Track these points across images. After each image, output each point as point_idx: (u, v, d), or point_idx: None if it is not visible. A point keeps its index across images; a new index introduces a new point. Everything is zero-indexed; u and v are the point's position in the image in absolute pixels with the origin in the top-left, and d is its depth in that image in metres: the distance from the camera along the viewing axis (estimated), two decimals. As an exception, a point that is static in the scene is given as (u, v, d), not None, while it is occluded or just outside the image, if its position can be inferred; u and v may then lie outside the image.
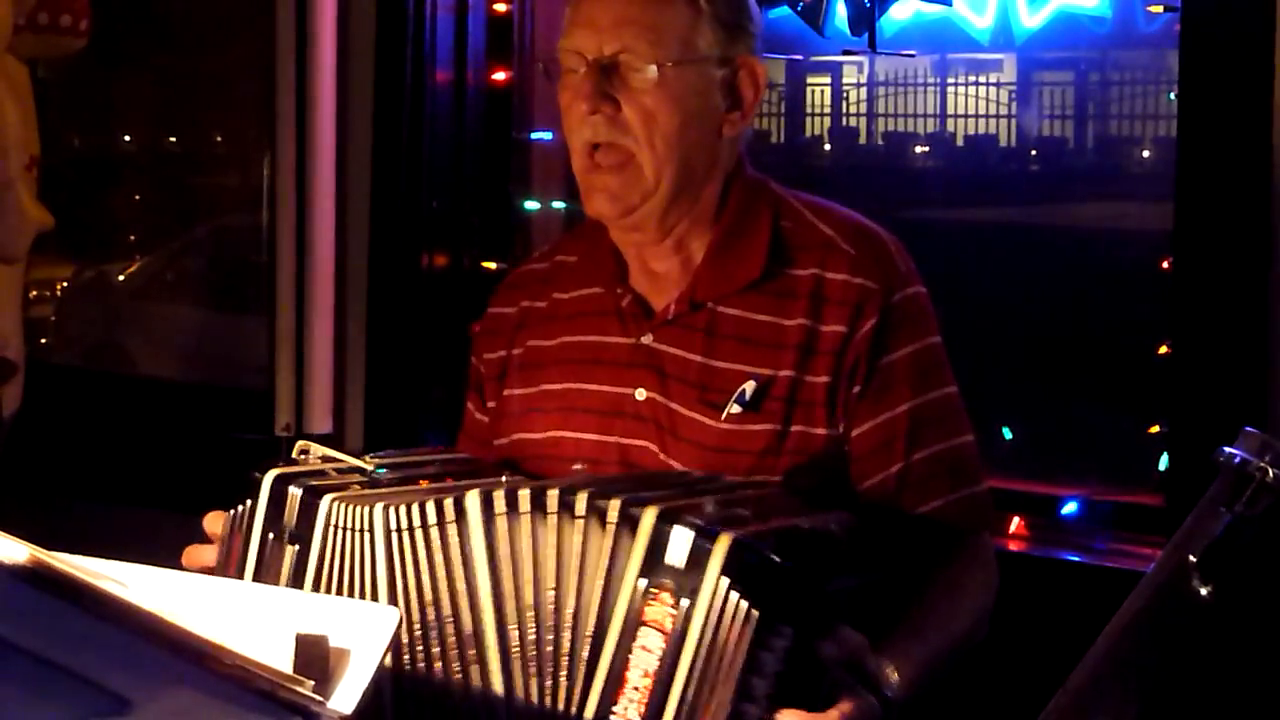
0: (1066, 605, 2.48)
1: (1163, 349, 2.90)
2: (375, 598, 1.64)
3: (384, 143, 3.50)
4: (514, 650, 1.61)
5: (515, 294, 2.06)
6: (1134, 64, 3.47)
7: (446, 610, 1.63)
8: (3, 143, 3.34)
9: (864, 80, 3.74)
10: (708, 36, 1.87)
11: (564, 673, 1.59)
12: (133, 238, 4.77)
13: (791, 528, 1.58)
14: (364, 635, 1.27)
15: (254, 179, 3.94)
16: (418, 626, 1.64)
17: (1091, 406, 3.36)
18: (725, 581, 1.49)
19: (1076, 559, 2.94)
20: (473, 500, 1.63)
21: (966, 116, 3.72)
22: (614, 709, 1.54)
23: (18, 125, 3.40)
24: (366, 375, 3.54)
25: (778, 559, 1.51)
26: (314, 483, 1.70)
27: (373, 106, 3.50)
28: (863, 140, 3.87)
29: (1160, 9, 3.01)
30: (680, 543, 1.53)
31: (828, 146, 3.92)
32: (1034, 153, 3.68)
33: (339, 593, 1.66)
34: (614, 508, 1.57)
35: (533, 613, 1.61)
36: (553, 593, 1.60)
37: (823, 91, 3.79)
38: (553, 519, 1.61)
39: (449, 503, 1.64)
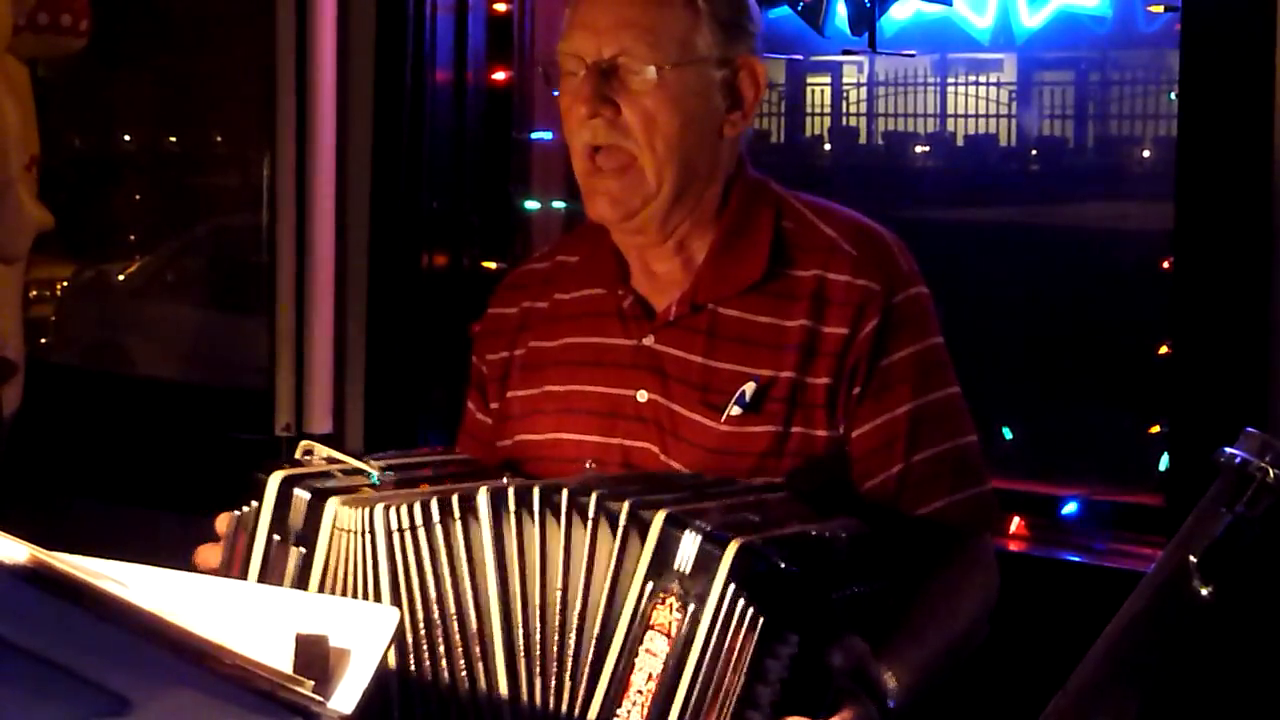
0: (1067, 605, 2.48)
1: (1163, 349, 2.90)
2: (379, 599, 1.64)
3: (384, 143, 3.50)
4: (519, 650, 1.61)
5: (516, 294, 2.05)
6: (1134, 64, 3.47)
7: (451, 609, 1.63)
8: (3, 143, 3.34)
9: (864, 80, 3.74)
10: (707, 37, 1.86)
11: (568, 674, 1.59)
12: (133, 238, 4.77)
13: (800, 534, 1.58)
14: (364, 635, 1.27)
15: (254, 179, 3.94)
16: (423, 626, 1.63)
17: (1092, 406, 3.36)
18: (733, 587, 1.49)
19: (1077, 559, 2.94)
20: (483, 497, 1.63)
21: (967, 116, 3.72)
22: (617, 712, 1.54)
23: (18, 125, 3.40)
24: (366, 375, 3.54)
25: (785, 566, 1.50)
26: (320, 486, 1.70)
27: (373, 106, 3.50)
28: (863, 140, 3.87)
29: (1161, 9, 3.00)
30: (688, 547, 1.53)
31: (828, 146, 3.92)
32: (1034, 153, 3.68)
33: (344, 595, 1.66)
34: (624, 510, 1.57)
35: (539, 613, 1.60)
36: (560, 593, 1.60)
37: (823, 91, 3.79)
38: (562, 519, 1.61)
39: (456, 500, 1.63)
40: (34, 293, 4.25)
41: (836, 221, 1.93)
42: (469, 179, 3.61)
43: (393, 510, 1.64)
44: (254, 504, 1.71)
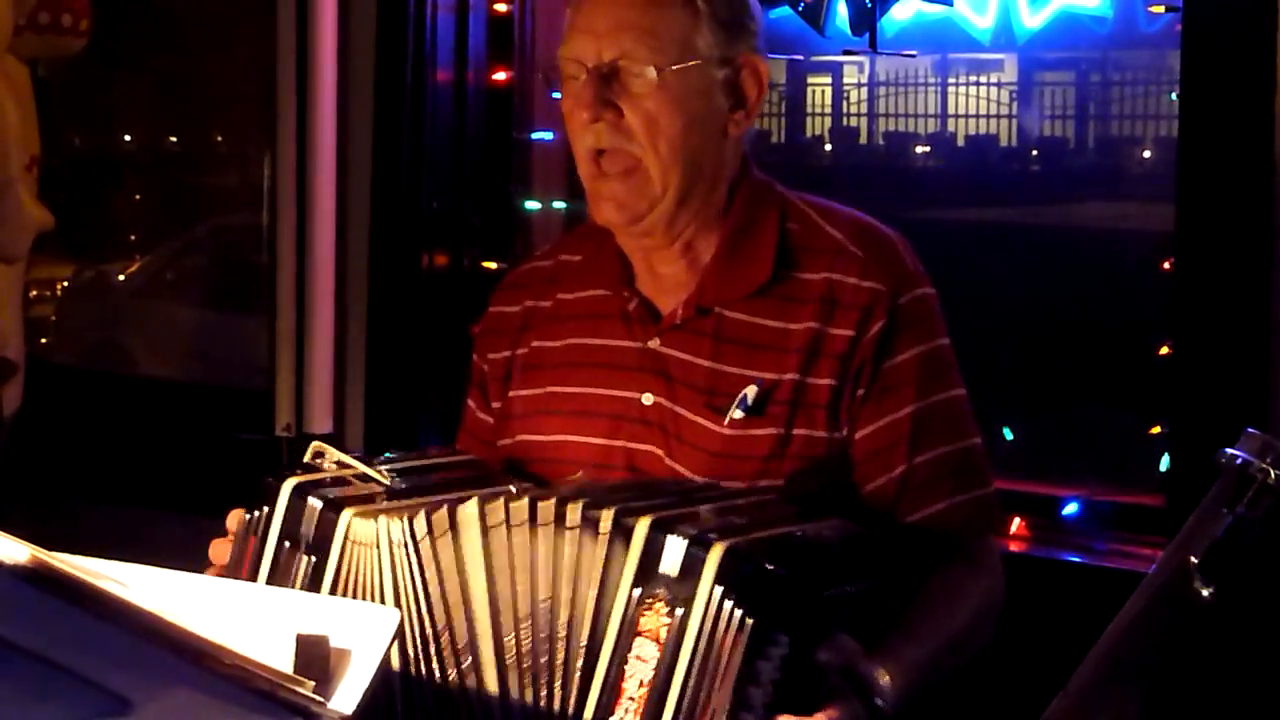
0: (1067, 606, 2.48)
1: (1164, 349, 2.90)
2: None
3: (384, 143, 3.50)
4: (509, 660, 1.61)
5: (518, 293, 2.05)
6: (1135, 64, 3.47)
7: (442, 621, 1.63)
8: (3, 143, 3.34)
9: (865, 80, 3.74)
10: (707, 37, 1.86)
11: (558, 682, 1.59)
12: (133, 237, 4.77)
13: (786, 536, 1.58)
14: (365, 636, 1.27)
15: (254, 179, 3.94)
16: (419, 638, 1.64)
17: (1092, 407, 3.36)
18: (719, 590, 1.49)
19: (1077, 560, 2.94)
20: (468, 512, 1.63)
21: (967, 116, 3.72)
22: (610, 719, 1.54)
23: (18, 125, 3.40)
24: (366, 375, 3.54)
25: (771, 567, 1.50)
26: (332, 495, 1.69)
27: (373, 106, 3.50)
28: (863, 140, 3.87)
29: (1161, 9, 3.00)
30: (674, 552, 1.53)
31: (828, 146, 3.92)
32: (1035, 153, 3.68)
33: (354, 602, 1.66)
34: (607, 517, 1.57)
35: (528, 623, 1.61)
36: (547, 603, 1.60)
37: (823, 91, 3.79)
38: (547, 529, 1.61)
39: (442, 515, 1.64)
40: (34, 293, 4.25)
41: (841, 222, 1.92)
42: (469, 179, 3.61)
43: (406, 522, 1.64)
44: (264, 509, 1.71)
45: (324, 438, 3.31)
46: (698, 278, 1.91)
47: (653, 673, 1.52)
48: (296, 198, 3.48)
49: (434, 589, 1.63)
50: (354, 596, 1.66)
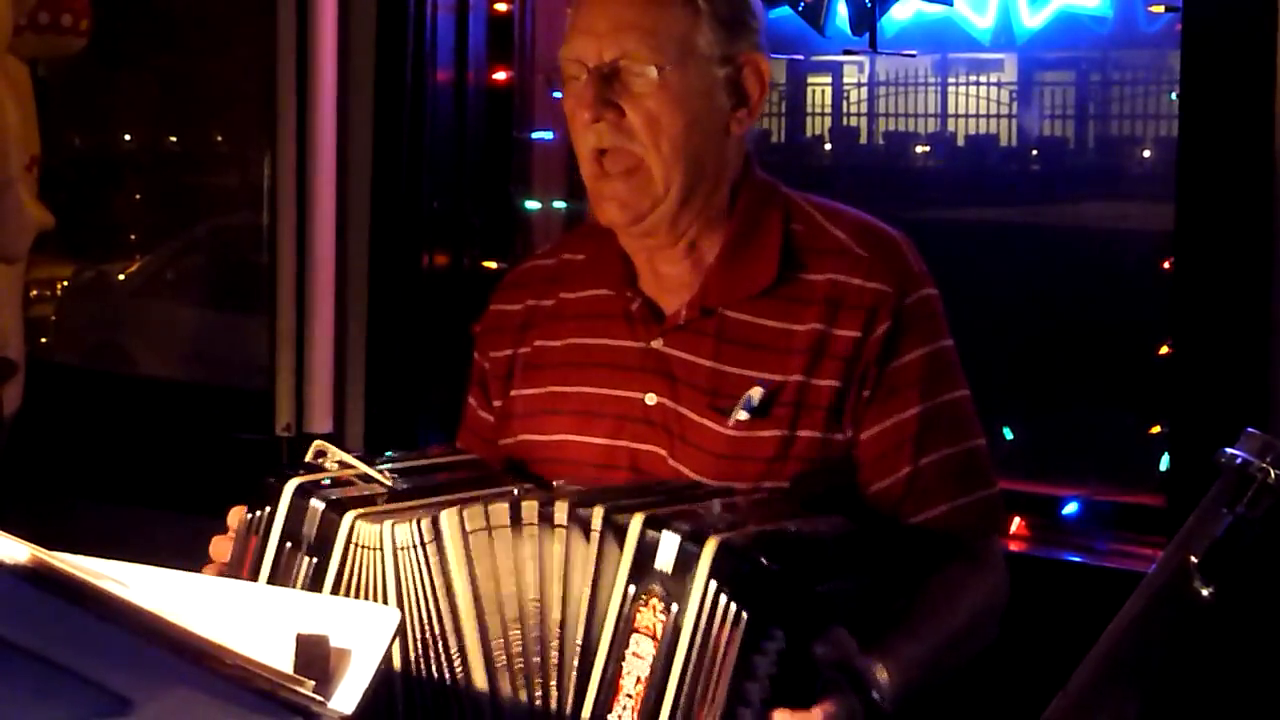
0: (1067, 606, 2.48)
1: (1164, 349, 2.90)
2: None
3: (384, 142, 3.50)
4: (499, 663, 1.61)
5: (520, 292, 2.05)
6: (1135, 64, 3.47)
7: (442, 623, 1.63)
8: (3, 143, 3.34)
9: (865, 80, 3.74)
10: (708, 36, 1.86)
11: (554, 681, 1.59)
12: (133, 237, 4.77)
13: (779, 531, 1.58)
14: (365, 636, 1.27)
15: (254, 179, 3.94)
16: (418, 643, 1.64)
17: (1092, 407, 3.36)
18: (714, 585, 1.49)
19: (1077, 559, 2.94)
20: (448, 519, 1.63)
21: (967, 116, 3.72)
22: (608, 717, 1.54)
23: (18, 125, 3.40)
24: (366, 375, 3.54)
25: (766, 561, 1.50)
26: (334, 496, 1.70)
27: (373, 106, 3.50)
28: (863, 140, 3.86)
29: (1161, 9, 3.00)
30: (668, 548, 1.53)
31: (828, 146, 3.92)
32: (1035, 153, 3.68)
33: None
34: (597, 515, 1.58)
35: (518, 625, 1.61)
36: (536, 604, 1.60)
37: (823, 91, 3.79)
38: (531, 530, 1.62)
39: (426, 523, 1.64)
40: (34, 293, 4.25)
41: (845, 223, 1.92)
42: (470, 179, 3.61)
43: (410, 526, 1.64)
44: (267, 509, 1.71)
45: (324, 438, 3.33)
46: (701, 278, 1.90)
47: (649, 669, 1.52)
48: (296, 198, 3.48)
49: (437, 591, 1.63)
50: (356, 598, 1.66)
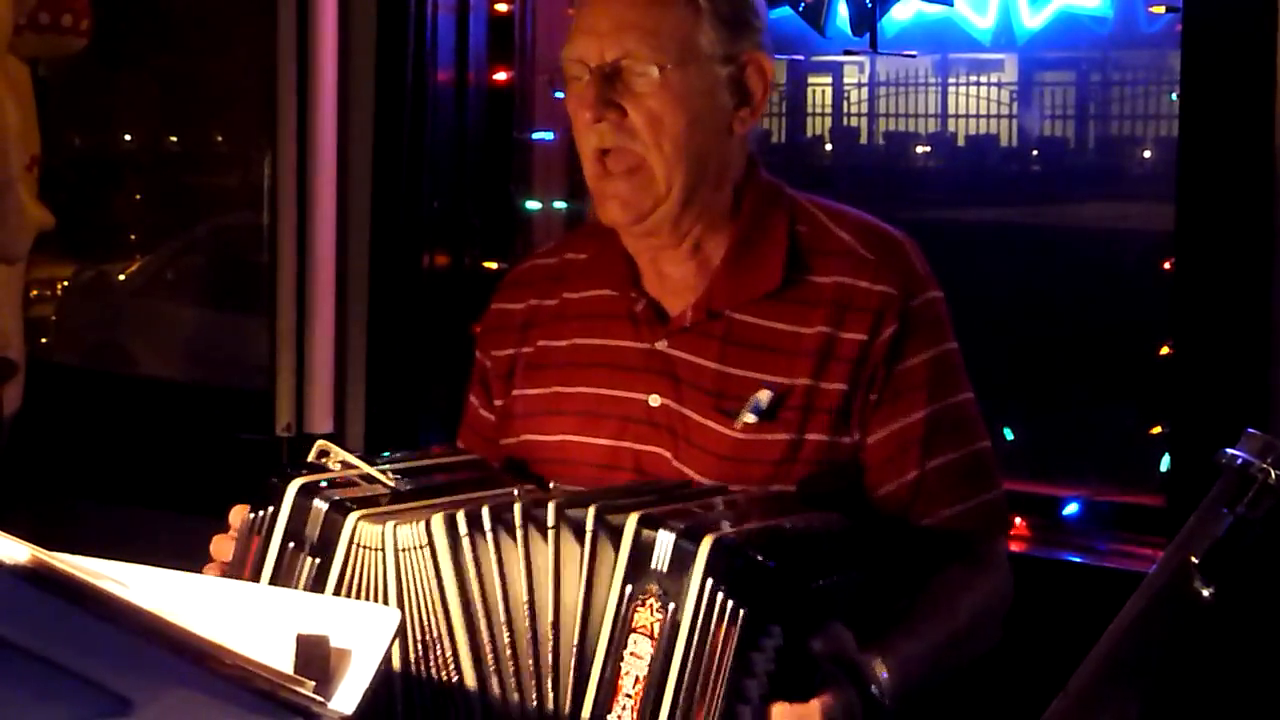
0: (1068, 606, 2.48)
1: (1164, 349, 2.90)
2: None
3: (385, 142, 3.50)
4: (490, 666, 1.61)
5: (523, 291, 2.05)
6: (1135, 64, 3.47)
7: (443, 624, 1.64)
8: (3, 143, 3.34)
9: (865, 80, 3.74)
10: (709, 35, 1.86)
11: (552, 682, 1.59)
12: (133, 237, 4.77)
13: (774, 527, 1.59)
14: (365, 636, 1.27)
15: (254, 179, 3.94)
16: (418, 643, 1.64)
17: (1093, 407, 3.36)
18: (710, 582, 1.49)
19: (1078, 560, 2.94)
20: (436, 524, 1.64)
21: (968, 116, 3.72)
22: (608, 717, 1.54)
23: (18, 125, 3.40)
24: (367, 375, 3.54)
25: (761, 558, 1.51)
26: (338, 497, 1.70)
27: (374, 106, 3.50)
28: (864, 140, 3.86)
29: (1162, 9, 3.00)
30: (664, 546, 1.53)
31: (829, 146, 3.92)
32: (1035, 153, 3.68)
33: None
34: (590, 516, 1.58)
35: (507, 629, 1.61)
36: (526, 606, 1.60)
37: (824, 91, 3.79)
38: (519, 533, 1.62)
39: (426, 525, 1.64)
40: (34, 293, 4.24)
41: (850, 225, 1.92)
42: (470, 179, 3.60)
43: (413, 527, 1.64)
44: (269, 509, 1.71)
45: (324, 438, 3.33)
46: (707, 280, 1.90)
47: (648, 669, 1.52)
48: (296, 198, 3.48)
49: (439, 593, 1.63)
50: (358, 599, 1.66)
